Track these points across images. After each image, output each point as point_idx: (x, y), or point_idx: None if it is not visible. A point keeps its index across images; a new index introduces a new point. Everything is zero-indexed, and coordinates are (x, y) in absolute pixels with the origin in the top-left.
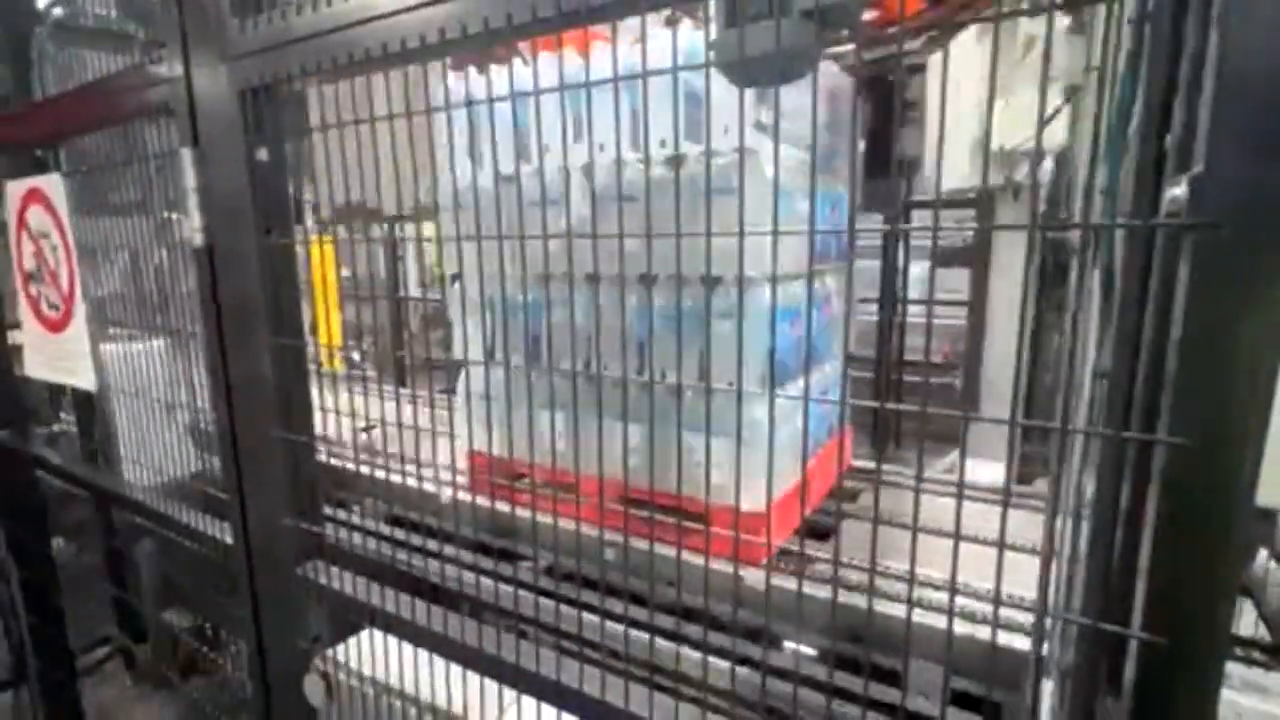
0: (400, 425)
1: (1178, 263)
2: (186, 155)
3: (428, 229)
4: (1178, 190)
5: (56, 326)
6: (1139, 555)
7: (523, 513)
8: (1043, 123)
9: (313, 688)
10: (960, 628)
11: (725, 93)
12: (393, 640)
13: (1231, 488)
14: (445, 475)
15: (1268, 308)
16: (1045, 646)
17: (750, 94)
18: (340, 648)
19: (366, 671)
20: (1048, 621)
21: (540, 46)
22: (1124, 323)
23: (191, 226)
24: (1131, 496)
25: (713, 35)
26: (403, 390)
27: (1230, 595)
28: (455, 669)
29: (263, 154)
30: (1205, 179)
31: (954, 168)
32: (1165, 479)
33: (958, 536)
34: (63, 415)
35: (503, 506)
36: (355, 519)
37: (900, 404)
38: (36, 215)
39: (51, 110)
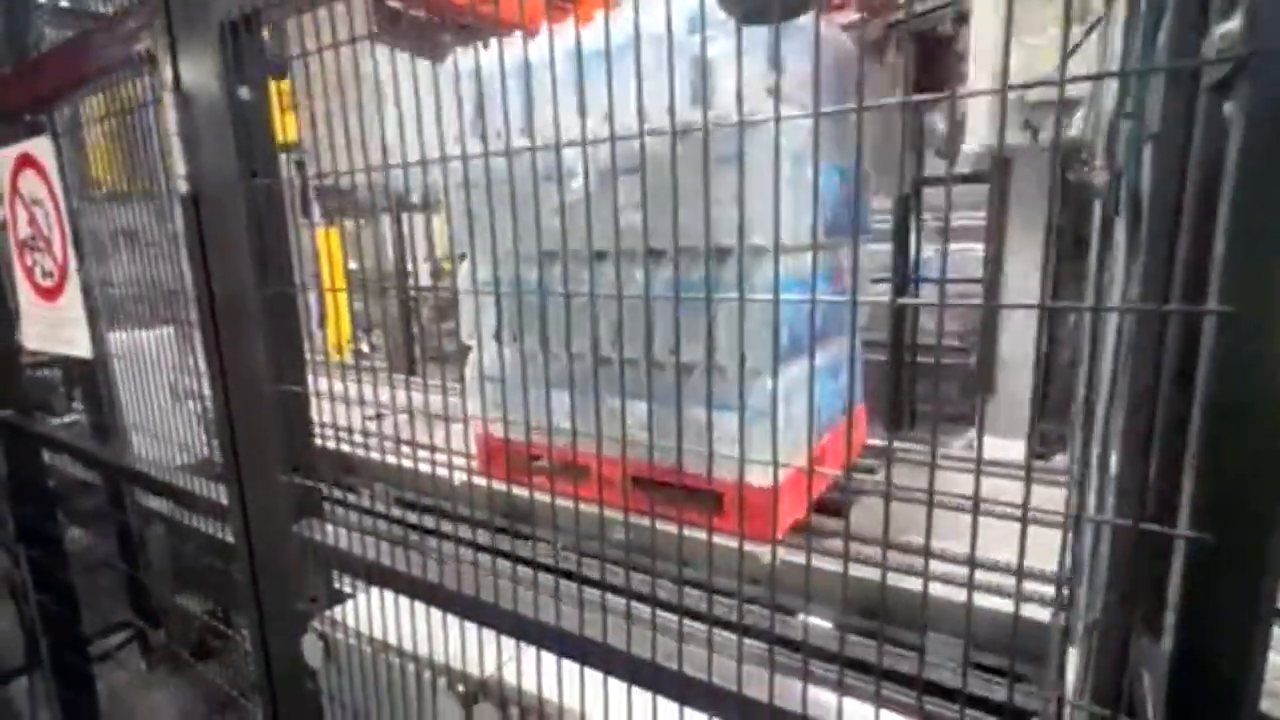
0: (400, 411)
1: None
2: (169, 99)
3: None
4: (1231, 24)
5: (51, 295)
6: (1178, 461)
7: (524, 492)
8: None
9: (311, 648)
10: (980, 601)
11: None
12: (390, 599)
13: None
14: (455, 460)
15: None
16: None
17: (760, 57)
18: (338, 609)
19: (364, 630)
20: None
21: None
22: (1160, 198)
23: (176, 174)
24: (1168, 407)
25: None
26: (413, 379)
27: None
28: (453, 625)
29: (244, 93)
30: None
31: (974, 131)
32: (1214, 356)
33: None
34: (75, 405)
35: (500, 486)
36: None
37: (913, 388)
38: (29, 181)
39: (35, 69)
